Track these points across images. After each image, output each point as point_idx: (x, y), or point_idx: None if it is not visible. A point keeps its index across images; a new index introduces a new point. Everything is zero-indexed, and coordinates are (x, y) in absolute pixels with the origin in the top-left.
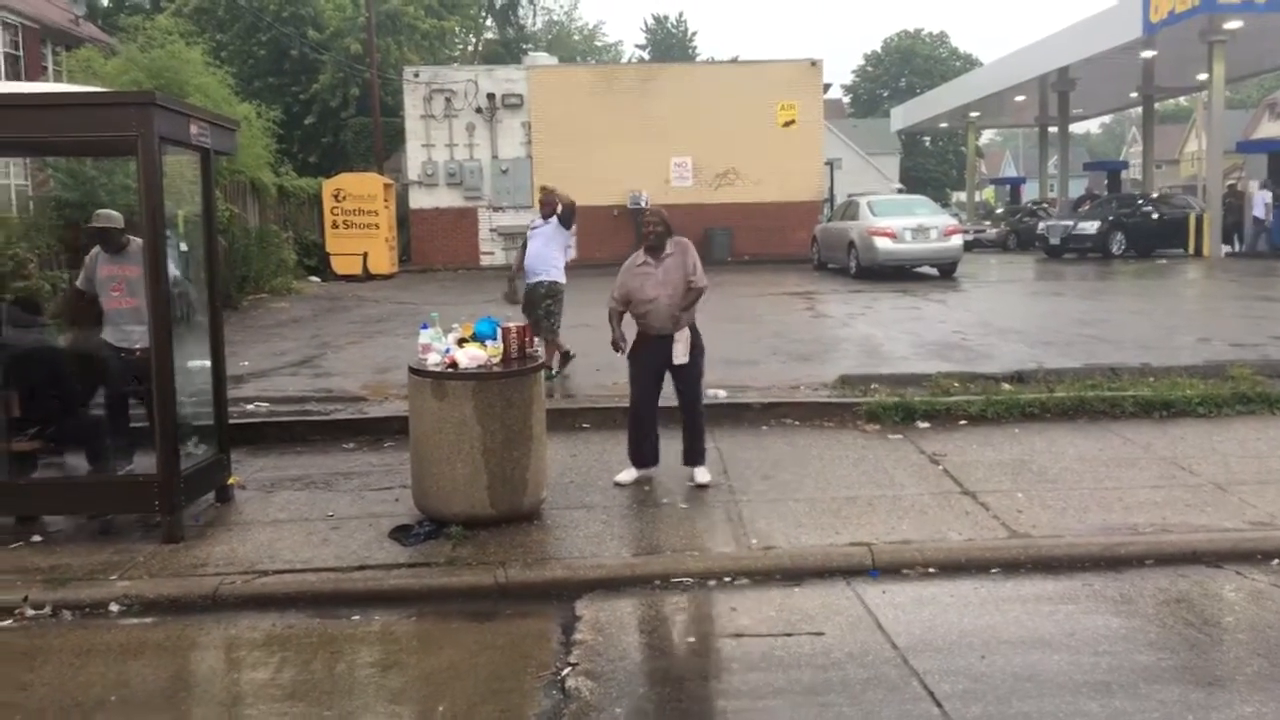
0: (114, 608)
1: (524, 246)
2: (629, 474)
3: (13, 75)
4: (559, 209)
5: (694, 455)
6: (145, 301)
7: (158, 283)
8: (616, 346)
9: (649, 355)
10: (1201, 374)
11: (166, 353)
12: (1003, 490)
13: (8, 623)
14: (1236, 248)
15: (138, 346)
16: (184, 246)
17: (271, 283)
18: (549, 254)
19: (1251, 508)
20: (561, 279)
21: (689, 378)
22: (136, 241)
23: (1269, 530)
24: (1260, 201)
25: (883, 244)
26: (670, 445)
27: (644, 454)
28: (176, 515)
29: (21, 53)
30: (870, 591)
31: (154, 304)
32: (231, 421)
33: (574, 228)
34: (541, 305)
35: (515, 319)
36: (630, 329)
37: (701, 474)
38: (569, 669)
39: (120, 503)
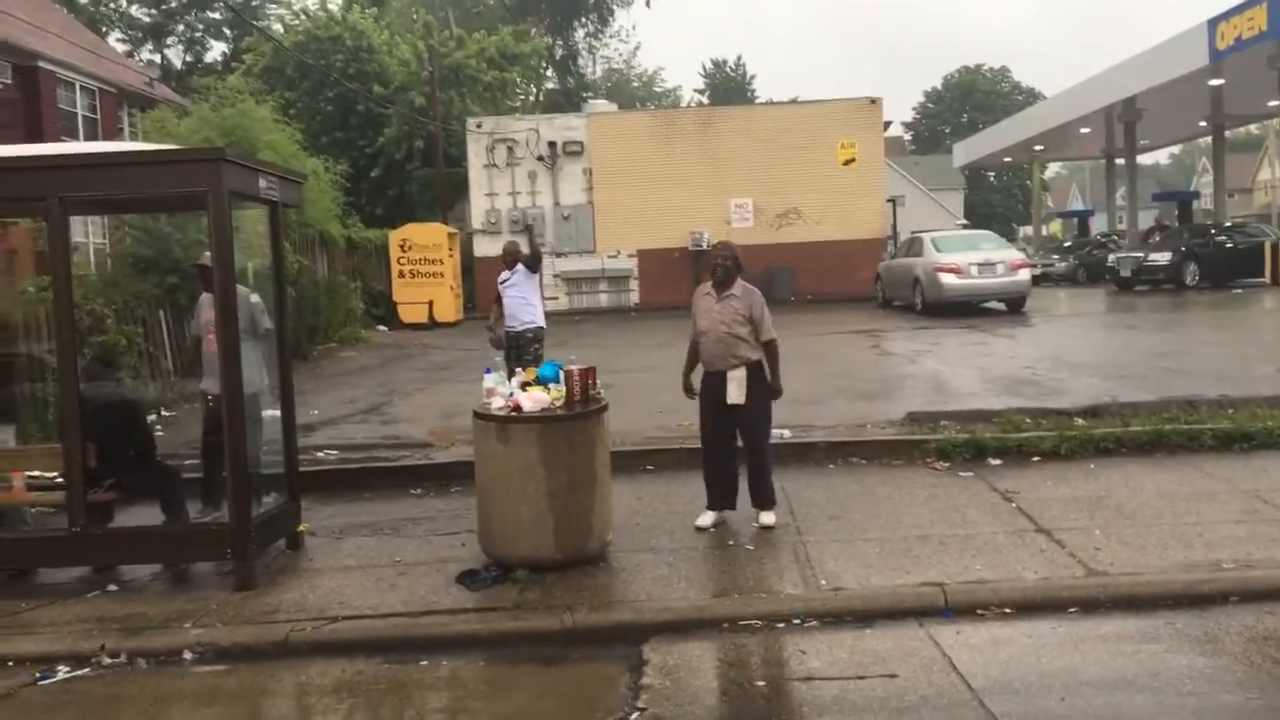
0: (188, 655)
1: (499, 299)
2: (706, 517)
3: (90, 136)
4: (521, 258)
5: (757, 498)
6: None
7: (229, 333)
8: (687, 392)
9: (707, 392)
10: None
11: (237, 401)
12: (1079, 527)
13: (85, 671)
14: None
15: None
16: (255, 298)
17: (340, 332)
18: (526, 300)
19: None
20: (543, 322)
21: (746, 419)
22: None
23: None
24: None
25: (948, 280)
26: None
27: (715, 494)
28: (248, 563)
29: (99, 115)
30: (944, 632)
31: (225, 354)
32: (302, 469)
33: (540, 269)
34: (530, 349)
35: (575, 362)
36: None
37: (766, 516)
38: (637, 713)
39: (194, 551)
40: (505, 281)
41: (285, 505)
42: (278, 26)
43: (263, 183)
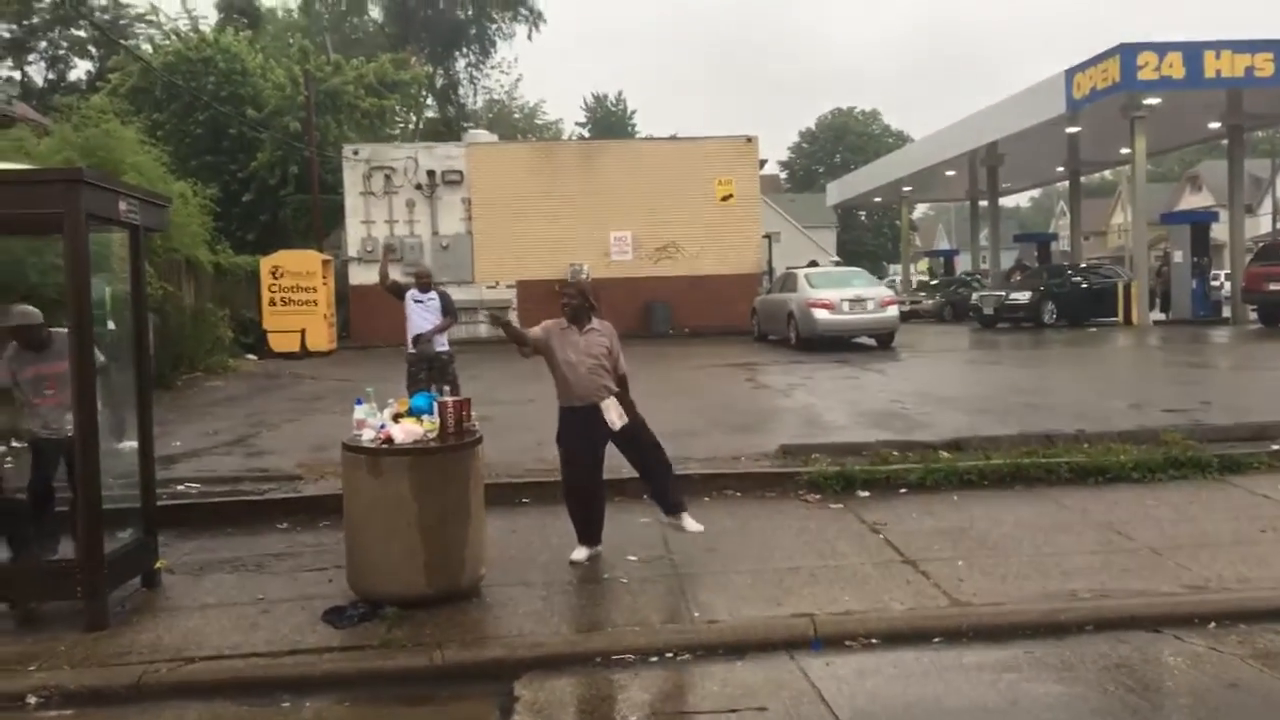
0: (31, 700)
1: (396, 290)
2: (581, 552)
3: None
4: (443, 300)
5: (676, 504)
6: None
7: (83, 363)
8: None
9: (581, 429)
10: (1135, 439)
11: (91, 435)
12: (943, 558)
13: None
14: (1166, 315)
15: (69, 432)
16: (111, 324)
17: (207, 361)
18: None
19: (1187, 571)
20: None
21: (642, 433)
22: (60, 334)
23: (1205, 594)
24: None
25: (821, 315)
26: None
27: (591, 530)
28: (100, 602)
29: None
30: (813, 664)
31: (79, 385)
32: (161, 503)
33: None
34: (449, 374)
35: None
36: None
37: (691, 521)
38: None
39: (41, 590)
40: (420, 302)
41: (141, 541)
42: (146, 46)
43: (123, 205)
